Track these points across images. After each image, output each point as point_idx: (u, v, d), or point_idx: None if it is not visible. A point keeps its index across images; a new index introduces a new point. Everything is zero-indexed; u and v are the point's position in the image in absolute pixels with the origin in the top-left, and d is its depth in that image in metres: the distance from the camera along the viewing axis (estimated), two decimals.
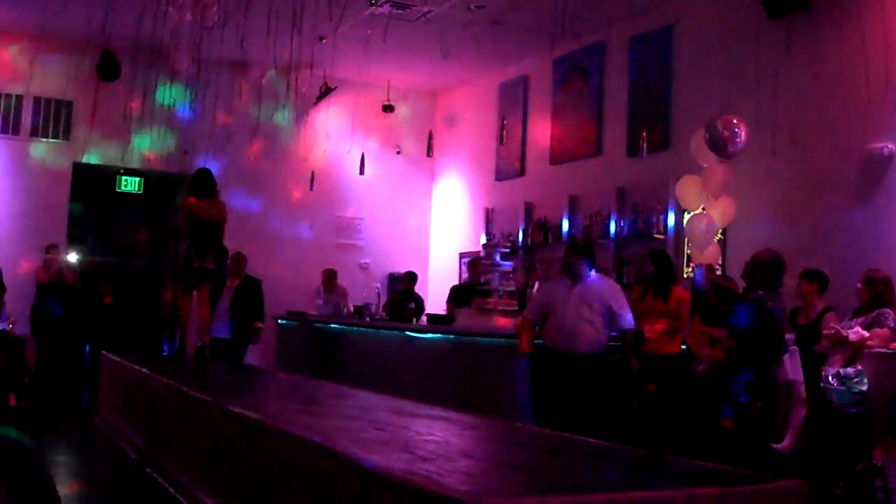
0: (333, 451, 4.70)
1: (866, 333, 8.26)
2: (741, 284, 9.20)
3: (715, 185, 10.89)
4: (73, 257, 15.16)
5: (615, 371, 9.11)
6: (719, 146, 10.59)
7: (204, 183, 11.95)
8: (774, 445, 8.50)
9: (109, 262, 16.84)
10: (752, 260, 8.89)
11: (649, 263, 9.79)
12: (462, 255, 16.89)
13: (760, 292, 8.52)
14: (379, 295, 14.51)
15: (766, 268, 8.69)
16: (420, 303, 14.63)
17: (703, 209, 11.17)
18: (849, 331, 8.30)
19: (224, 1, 11.79)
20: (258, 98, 15.96)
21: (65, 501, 6.74)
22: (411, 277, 15.16)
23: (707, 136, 10.66)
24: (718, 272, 11.12)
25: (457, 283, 16.54)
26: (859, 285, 8.90)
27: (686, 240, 11.84)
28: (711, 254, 11.05)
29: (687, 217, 11.70)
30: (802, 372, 8.57)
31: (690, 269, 11.18)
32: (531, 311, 9.53)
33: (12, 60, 15.42)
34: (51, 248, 14.84)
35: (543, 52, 14.92)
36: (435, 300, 16.24)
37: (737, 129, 10.55)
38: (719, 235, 11.28)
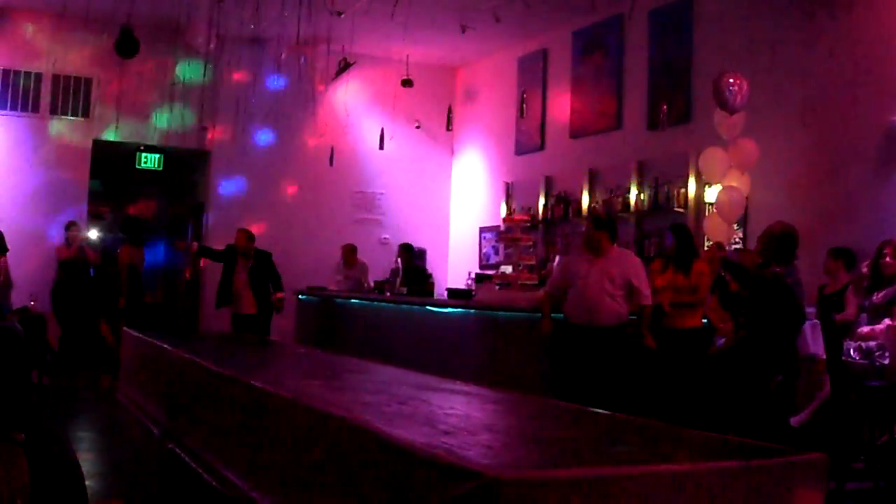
0: (356, 425, 4.71)
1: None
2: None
3: (741, 158, 10.87)
4: (93, 234, 15.19)
5: (635, 344, 9.13)
6: (723, 101, 10.62)
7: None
8: (791, 418, 8.50)
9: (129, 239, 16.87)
10: (764, 234, 8.85)
11: (670, 237, 9.76)
12: (482, 230, 16.89)
13: (778, 269, 8.49)
14: (398, 270, 14.51)
15: (780, 241, 8.66)
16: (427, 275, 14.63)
17: (720, 184, 11.16)
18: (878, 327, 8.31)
19: None
20: (277, 73, 15.96)
21: (88, 477, 6.79)
22: (407, 249, 15.09)
23: (714, 92, 10.72)
24: (738, 246, 11.10)
25: (477, 257, 16.60)
26: (889, 259, 8.84)
27: (705, 215, 11.83)
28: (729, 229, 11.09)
29: (711, 190, 11.70)
30: (824, 346, 8.55)
31: (709, 244, 11.15)
32: (552, 286, 9.55)
33: (32, 38, 15.44)
34: (71, 225, 14.89)
35: (563, 25, 14.91)
36: (455, 274, 16.26)
37: (736, 87, 10.55)
38: None
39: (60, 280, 14.61)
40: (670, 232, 9.81)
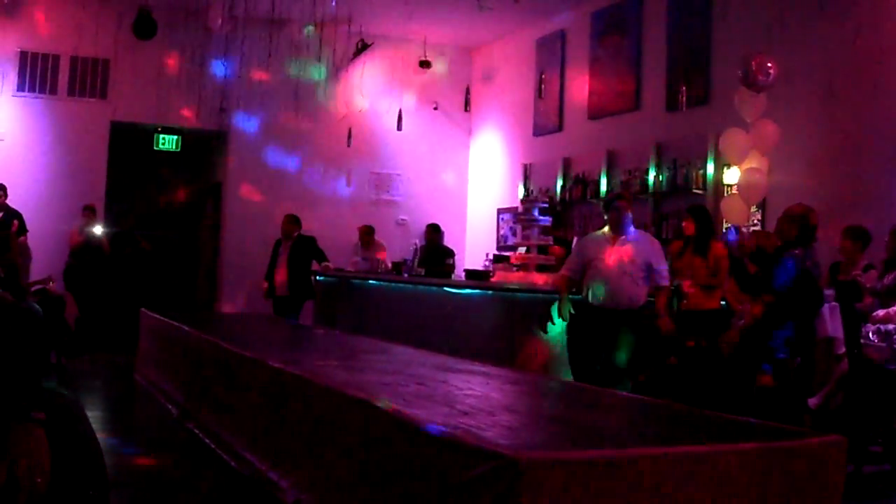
0: (375, 406, 4.72)
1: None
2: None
3: (762, 140, 10.83)
4: (98, 229, 15.11)
5: (653, 326, 9.12)
6: (750, 80, 10.61)
7: None
8: (809, 400, 8.48)
9: (147, 220, 16.91)
10: (783, 216, 8.80)
11: (689, 219, 9.73)
12: (500, 211, 16.87)
13: (797, 251, 8.45)
14: (416, 251, 14.52)
15: (798, 223, 8.60)
16: (451, 254, 14.69)
17: (739, 166, 11.14)
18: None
19: None
20: (295, 54, 15.95)
21: (107, 457, 6.81)
22: (435, 229, 15.17)
23: (741, 72, 10.71)
24: (757, 227, 11.06)
25: (495, 238, 16.58)
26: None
27: (724, 197, 11.80)
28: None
29: (729, 172, 11.68)
30: (843, 328, 8.52)
31: (727, 228, 11.12)
32: (570, 268, 9.52)
33: (49, 20, 15.44)
34: (86, 209, 14.90)
35: (581, 5, 14.85)
36: (473, 255, 16.24)
37: (767, 67, 10.56)
38: None
39: (71, 265, 14.68)
40: (689, 214, 9.79)
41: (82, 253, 14.70)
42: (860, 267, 9.00)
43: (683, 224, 9.93)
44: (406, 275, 13.37)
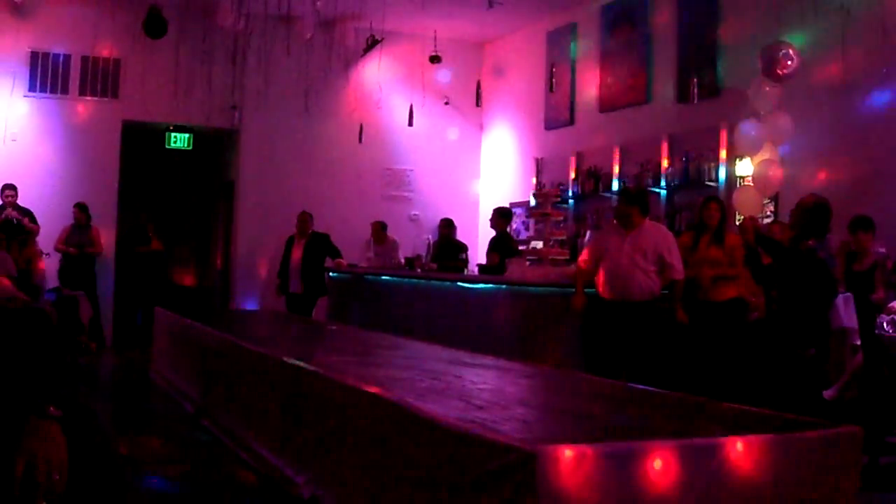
0: (390, 401, 4.72)
1: None
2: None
3: (775, 131, 10.82)
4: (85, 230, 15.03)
5: (667, 319, 9.11)
6: (774, 69, 10.59)
7: None
8: (824, 392, 8.46)
9: (160, 219, 16.93)
10: (797, 207, 8.78)
11: (717, 206, 9.75)
12: (512, 205, 16.83)
13: (811, 242, 8.43)
14: (429, 246, 14.52)
15: (812, 213, 8.57)
16: (464, 249, 14.70)
17: (752, 157, 11.13)
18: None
19: None
20: (305, 51, 15.94)
21: (122, 454, 6.83)
22: (448, 224, 15.16)
23: (761, 60, 10.68)
24: (770, 220, 11.04)
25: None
26: None
27: (736, 188, 11.79)
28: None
29: (742, 163, 11.67)
30: (857, 319, 8.49)
31: (740, 218, 11.11)
32: (586, 260, 9.53)
33: (60, 20, 15.45)
34: (76, 206, 14.79)
35: None
36: (485, 250, 16.25)
37: (790, 57, 10.57)
38: None
39: (63, 266, 14.61)
40: (717, 202, 9.82)
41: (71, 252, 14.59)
42: (872, 256, 8.97)
43: (711, 213, 9.86)
44: (419, 270, 13.36)
